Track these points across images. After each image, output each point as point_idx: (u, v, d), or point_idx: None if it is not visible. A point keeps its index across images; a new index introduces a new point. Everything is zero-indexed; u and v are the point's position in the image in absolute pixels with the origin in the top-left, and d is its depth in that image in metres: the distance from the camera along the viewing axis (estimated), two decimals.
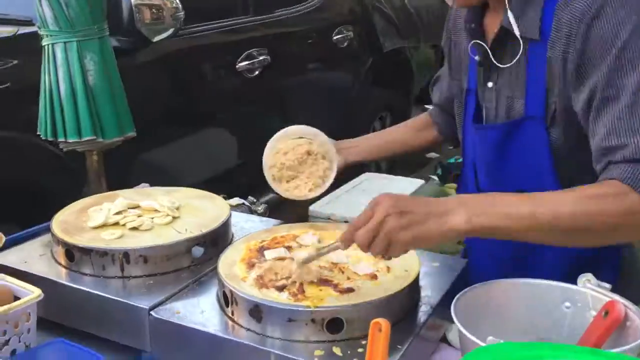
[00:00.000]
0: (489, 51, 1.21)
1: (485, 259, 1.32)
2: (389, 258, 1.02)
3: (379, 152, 1.62)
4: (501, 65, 1.20)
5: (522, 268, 1.17)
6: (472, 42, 1.24)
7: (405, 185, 4.16)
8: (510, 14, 1.14)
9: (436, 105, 1.59)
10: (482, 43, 1.22)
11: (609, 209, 0.98)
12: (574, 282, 1.02)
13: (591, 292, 0.99)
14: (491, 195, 1.05)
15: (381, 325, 0.82)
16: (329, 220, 3.62)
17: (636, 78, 1.03)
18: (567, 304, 1.02)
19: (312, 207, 3.74)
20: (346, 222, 3.71)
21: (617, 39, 1.04)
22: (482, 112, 1.28)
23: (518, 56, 1.15)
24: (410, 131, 1.63)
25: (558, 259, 1.21)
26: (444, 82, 1.51)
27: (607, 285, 0.99)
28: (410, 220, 0.96)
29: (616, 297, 0.95)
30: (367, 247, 0.98)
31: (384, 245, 0.97)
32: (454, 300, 0.97)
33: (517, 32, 1.14)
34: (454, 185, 4.41)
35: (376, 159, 1.81)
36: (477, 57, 1.25)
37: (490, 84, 1.25)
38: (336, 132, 4.77)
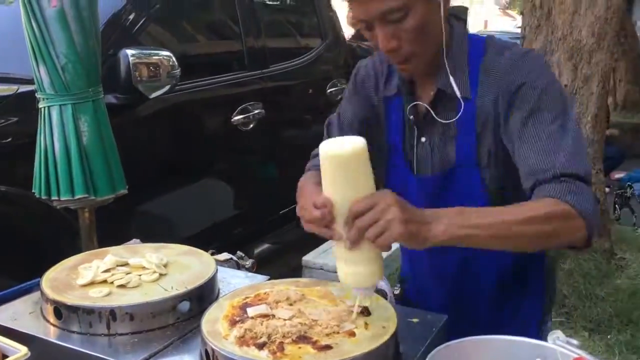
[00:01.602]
0: (430, 110, 1.37)
1: (426, 268, 1.52)
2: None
3: None
4: (446, 121, 1.36)
5: (464, 273, 1.44)
6: (413, 104, 1.40)
7: None
8: (452, 78, 1.33)
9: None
10: (424, 104, 1.39)
11: (550, 216, 1.14)
12: (504, 289, 1.33)
13: (560, 349, 1.02)
14: (466, 210, 1.16)
15: None
16: (321, 270, 3.67)
17: (555, 112, 1.25)
18: None
19: (305, 258, 3.78)
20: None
21: (538, 79, 1.27)
22: (413, 165, 1.44)
23: (460, 112, 1.33)
24: None
25: (495, 267, 1.44)
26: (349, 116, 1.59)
27: (575, 342, 1.02)
28: (410, 216, 1.07)
29: (582, 353, 0.98)
30: (364, 229, 1.06)
31: (380, 231, 1.05)
32: (428, 357, 1.00)
33: (458, 93, 1.33)
34: None
35: None
36: (411, 117, 1.41)
37: (423, 139, 1.41)
38: None
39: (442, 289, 1.52)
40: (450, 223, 1.10)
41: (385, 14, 1.23)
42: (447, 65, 1.32)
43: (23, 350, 1.12)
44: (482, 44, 1.36)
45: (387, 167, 1.50)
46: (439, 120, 1.36)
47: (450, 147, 1.37)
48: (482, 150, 1.33)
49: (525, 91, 1.27)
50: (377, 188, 1.14)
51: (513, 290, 1.49)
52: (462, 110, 1.33)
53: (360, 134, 1.48)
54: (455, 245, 1.12)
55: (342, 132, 1.56)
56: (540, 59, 1.34)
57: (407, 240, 1.08)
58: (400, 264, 1.72)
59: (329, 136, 1.61)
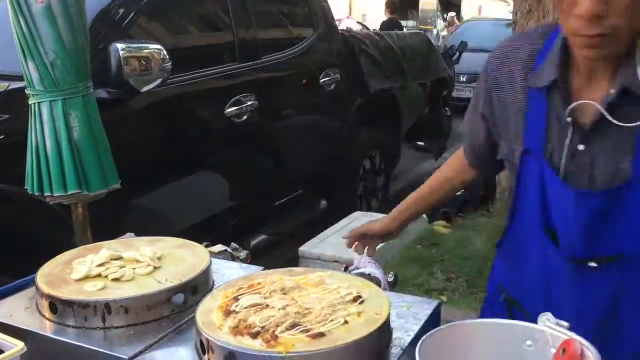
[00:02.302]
0: (605, 113, 1.14)
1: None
2: None
3: (417, 211, 1.69)
4: (628, 125, 1.12)
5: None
6: (578, 102, 1.17)
7: None
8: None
9: (468, 143, 1.54)
10: (596, 104, 1.15)
11: None
12: None
13: (550, 330, 1.03)
14: None
15: None
16: (318, 261, 3.68)
17: None
18: (529, 342, 1.06)
19: (302, 249, 3.80)
20: (336, 262, 3.76)
21: None
22: (560, 175, 1.22)
23: None
24: (446, 181, 1.62)
25: None
26: (477, 126, 1.44)
27: (565, 324, 1.03)
28: None
29: (573, 335, 1.00)
30: None
31: None
32: (419, 343, 1.01)
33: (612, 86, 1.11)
34: (443, 222, 4.47)
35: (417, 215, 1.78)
36: (569, 119, 1.19)
37: (581, 147, 1.19)
38: (327, 173, 4.86)
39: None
40: None
41: None
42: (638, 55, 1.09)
43: (20, 345, 1.13)
44: None
45: (520, 173, 1.29)
46: (620, 124, 1.12)
47: (626, 159, 1.14)
48: None
49: None
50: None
51: None
52: None
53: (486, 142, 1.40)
54: None
55: (471, 148, 1.50)
56: None
57: None
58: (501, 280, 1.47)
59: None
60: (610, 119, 1.13)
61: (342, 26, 7.24)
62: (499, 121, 1.34)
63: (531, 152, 1.25)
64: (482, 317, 1.52)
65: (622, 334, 1.25)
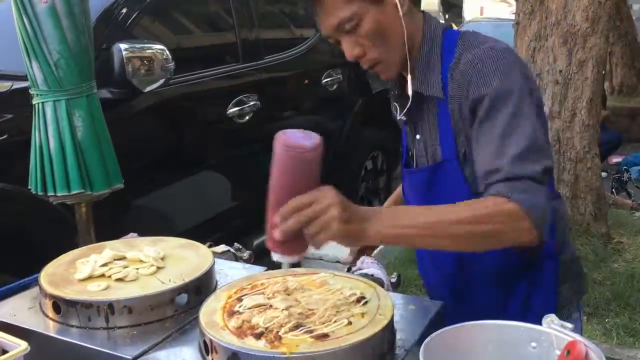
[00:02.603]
0: (397, 112, 1.44)
1: (431, 270, 1.57)
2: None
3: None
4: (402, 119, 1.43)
5: (461, 271, 1.46)
6: (393, 104, 1.49)
7: None
8: (409, 82, 1.36)
9: None
10: (396, 105, 1.46)
11: (491, 215, 1.15)
12: (506, 288, 1.37)
13: (555, 332, 1.03)
14: (401, 209, 1.28)
15: None
16: (320, 261, 3.67)
17: (506, 114, 1.24)
18: (534, 344, 1.06)
19: None
20: (338, 262, 3.75)
21: (489, 88, 1.26)
22: (414, 161, 1.49)
23: (408, 106, 1.38)
24: None
25: (492, 266, 1.42)
26: None
27: (570, 325, 1.03)
28: (349, 216, 1.09)
29: (577, 336, 0.99)
30: (302, 224, 1.08)
31: (318, 229, 1.08)
32: (423, 344, 1.01)
33: (409, 91, 1.36)
34: None
35: None
36: (403, 117, 1.45)
37: (418, 136, 1.45)
38: (329, 173, 4.82)
39: (444, 285, 1.53)
40: (385, 224, 1.13)
41: (339, 25, 1.27)
42: (409, 66, 1.34)
43: (23, 345, 1.13)
44: (455, 41, 1.35)
45: (402, 166, 1.56)
46: (402, 118, 1.43)
47: (436, 143, 1.40)
48: (460, 149, 1.35)
49: (479, 103, 1.27)
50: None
51: (516, 288, 1.46)
52: (436, 108, 1.36)
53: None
54: (393, 245, 1.17)
55: None
56: (500, 58, 1.29)
57: (342, 240, 1.11)
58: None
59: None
60: (399, 116, 1.44)
61: None
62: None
63: (404, 148, 1.53)
64: None
65: (476, 292, 1.47)
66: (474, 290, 1.48)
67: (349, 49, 1.30)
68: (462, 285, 1.49)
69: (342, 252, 3.55)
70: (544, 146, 1.27)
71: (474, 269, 1.45)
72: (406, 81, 1.40)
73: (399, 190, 1.75)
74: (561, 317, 1.05)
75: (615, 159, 6.37)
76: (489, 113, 1.26)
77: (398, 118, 1.48)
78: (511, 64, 1.29)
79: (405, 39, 1.32)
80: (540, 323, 1.04)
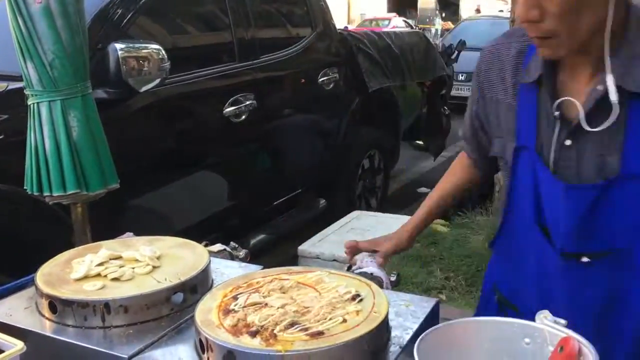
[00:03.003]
0: (581, 111, 1.14)
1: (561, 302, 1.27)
2: None
3: (427, 225, 1.61)
4: (594, 130, 1.13)
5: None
6: (561, 99, 1.17)
7: (393, 222, 4.21)
8: (610, 80, 1.09)
9: (469, 144, 1.52)
10: (575, 101, 1.15)
11: None
12: None
13: (548, 328, 1.04)
14: None
15: None
16: (317, 259, 3.68)
17: None
18: (527, 340, 1.06)
19: (301, 247, 3.80)
20: (335, 260, 3.76)
21: None
22: (549, 170, 1.21)
23: (613, 119, 1.11)
24: (453, 188, 1.58)
25: None
26: (476, 128, 1.45)
27: (563, 322, 1.03)
28: None
29: (571, 332, 1.00)
30: None
31: None
32: (417, 342, 1.01)
33: (614, 99, 1.09)
34: (441, 221, 4.47)
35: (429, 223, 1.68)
36: (556, 113, 1.19)
37: (568, 142, 1.19)
38: (325, 172, 4.86)
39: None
40: None
41: None
42: (607, 60, 1.09)
43: (19, 344, 1.13)
44: None
45: (513, 169, 1.29)
46: (592, 130, 1.13)
47: (613, 154, 1.14)
48: None
49: None
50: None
51: None
52: (626, 110, 1.10)
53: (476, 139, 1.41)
54: None
55: (474, 147, 1.47)
56: None
57: None
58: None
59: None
60: (582, 121, 1.14)
61: (391, 24, 7.21)
62: (491, 118, 1.35)
63: (524, 148, 1.25)
64: (476, 316, 1.49)
65: (617, 333, 1.24)
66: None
67: (525, 9, 1.07)
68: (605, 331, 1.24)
69: (339, 250, 3.57)
70: None
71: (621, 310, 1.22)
72: (567, 71, 1.19)
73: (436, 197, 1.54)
74: None
75: None
76: None
77: (555, 114, 1.18)
78: None
79: (609, 23, 1.07)
80: None
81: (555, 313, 1.04)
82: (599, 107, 1.13)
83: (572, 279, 1.24)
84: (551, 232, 1.25)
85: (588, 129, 1.14)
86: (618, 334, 1.24)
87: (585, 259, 1.23)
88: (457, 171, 1.58)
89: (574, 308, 1.24)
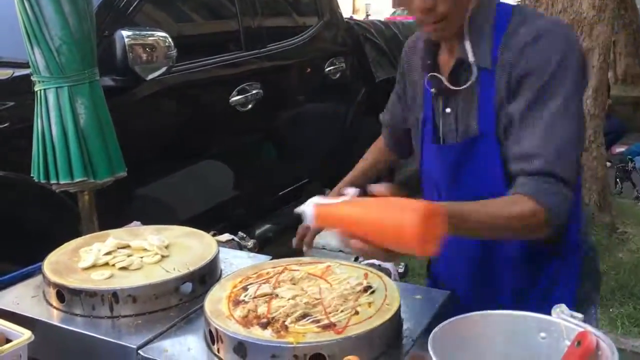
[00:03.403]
0: (443, 80, 1.37)
1: (455, 255, 1.46)
2: None
3: (363, 181, 1.76)
4: (457, 88, 1.35)
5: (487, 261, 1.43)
6: (429, 74, 1.41)
7: None
8: (467, 44, 1.32)
9: (387, 127, 1.76)
10: (439, 75, 1.39)
11: (521, 218, 1.19)
12: (529, 278, 1.35)
13: (564, 322, 1.02)
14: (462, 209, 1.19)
15: None
16: (323, 250, 3.66)
17: (557, 102, 1.23)
18: (543, 334, 1.04)
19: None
20: (341, 251, 3.73)
21: (548, 65, 1.24)
22: (440, 136, 1.44)
23: (473, 79, 1.32)
24: (378, 154, 1.82)
25: (524, 254, 1.41)
26: (396, 109, 1.67)
27: (579, 316, 1.01)
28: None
29: (588, 327, 0.98)
30: None
31: None
32: (431, 334, 1.00)
33: (471, 59, 1.32)
34: None
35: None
36: (433, 90, 1.42)
37: (448, 110, 1.41)
38: (331, 162, 4.84)
39: (466, 269, 1.49)
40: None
41: None
42: (468, 32, 1.31)
43: (27, 333, 1.12)
44: (509, 14, 1.33)
45: (422, 142, 1.50)
46: (452, 87, 1.36)
47: (472, 117, 1.36)
48: (500, 123, 1.31)
49: (531, 77, 1.25)
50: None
51: (538, 279, 1.45)
52: (478, 79, 1.32)
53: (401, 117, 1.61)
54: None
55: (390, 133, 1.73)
56: (558, 38, 1.27)
57: None
58: None
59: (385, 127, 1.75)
60: (447, 84, 1.36)
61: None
62: (409, 98, 1.56)
63: (427, 120, 1.46)
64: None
65: (499, 278, 1.44)
66: (497, 275, 1.46)
67: (421, 1, 1.27)
68: (486, 269, 1.46)
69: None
70: (581, 140, 1.29)
71: (500, 254, 1.43)
72: (438, 51, 1.40)
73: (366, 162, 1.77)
74: (578, 312, 1.04)
75: (618, 149, 6.34)
76: (542, 92, 1.24)
77: (432, 90, 1.42)
78: (573, 46, 1.28)
79: (472, 3, 1.30)
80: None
81: (448, 265, 1.45)
82: (459, 71, 1.35)
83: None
84: (440, 191, 1.46)
85: (451, 87, 1.35)
86: (499, 283, 1.44)
87: None
88: (374, 154, 1.82)
89: (459, 256, 1.45)
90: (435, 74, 1.40)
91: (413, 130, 1.56)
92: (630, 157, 5.67)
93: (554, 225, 1.21)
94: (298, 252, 2.96)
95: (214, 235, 1.57)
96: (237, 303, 1.17)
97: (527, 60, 1.26)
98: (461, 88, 1.35)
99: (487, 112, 1.33)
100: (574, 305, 1.09)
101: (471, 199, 1.21)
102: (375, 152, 1.82)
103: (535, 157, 1.22)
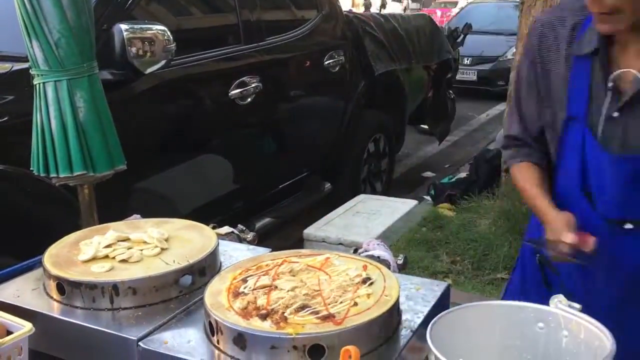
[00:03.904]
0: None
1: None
2: None
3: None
4: None
5: None
6: (621, 71, 1.23)
7: (399, 206, 4.22)
8: None
9: (519, 140, 1.49)
10: (636, 73, 1.20)
11: None
12: None
13: (562, 312, 1.02)
14: None
15: (351, 353, 0.86)
16: (323, 243, 3.68)
17: None
18: (541, 324, 1.05)
19: (306, 231, 3.80)
20: (340, 244, 3.75)
21: None
22: (597, 140, 1.27)
23: None
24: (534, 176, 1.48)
25: None
26: (529, 110, 1.44)
27: (577, 306, 1.02)
28: None
29: (585, 317, 0.99)
30: None
31: None
32: (430, 325, 1.00)
33: None
34: (447, 205, 4.46)
35: None
36: (610, 84, 1.25)
37: (616, 114, 1.25)
38: (331, 155, 4.83)
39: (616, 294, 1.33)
40: None
41: None
42: None
43: (27, 326, 1.13)
44: None
45: (562, 139, 1.34)
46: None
47: None
48: None
49: None
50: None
51: None
52: None
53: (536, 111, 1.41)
54: None
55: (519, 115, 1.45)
56: None
57: None
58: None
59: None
60: (610, 82, 1.21)
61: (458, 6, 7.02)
62: (542, 89, 1.38)
63: (574, 119, 1.29)
64: (511, 278, 1.56)
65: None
66: None
67: None
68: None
69: (345, 234, 3.56)
70: None
71: None
72: (622, 44, 1.24)
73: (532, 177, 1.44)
74: None
75: None
76: None
77: (609, 85, 1.23)
78: None
79: None
80: None
81: (593, 277, 1.17)
82: None
83: (613, 244, 1.30)
84: (596, 199, 1.31)
85: (609, 86, 1.20)
86: None
87: (628, 226, 1.29)
88: (528, 174, 1.48)
89: (611, 272, 1.30)
90: (631, 70, 1.22)
91: (548, 130, 1.37)
92: None
93: None
94: (296, 246, 2.95)
95: (213, 227, 1.58)
96: (236, 295, 1.18)
97: None
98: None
99: None
100: None
101: None
102: (531, 178, 1.47)
103: None
